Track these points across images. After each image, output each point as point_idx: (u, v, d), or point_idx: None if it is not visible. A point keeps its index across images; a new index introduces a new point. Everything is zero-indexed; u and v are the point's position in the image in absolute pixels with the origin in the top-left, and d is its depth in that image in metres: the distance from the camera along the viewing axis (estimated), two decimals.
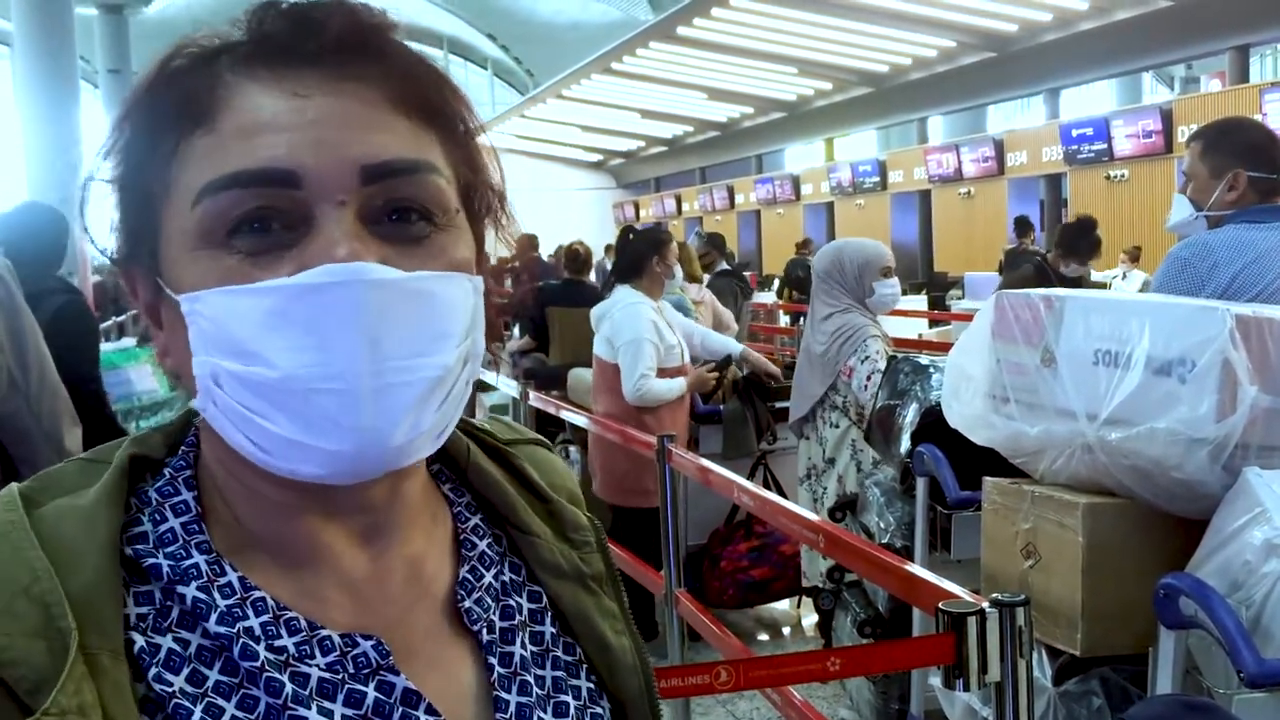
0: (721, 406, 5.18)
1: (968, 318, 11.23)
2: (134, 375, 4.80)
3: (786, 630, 5.31)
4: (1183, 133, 13.80)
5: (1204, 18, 13.43)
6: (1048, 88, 17.20)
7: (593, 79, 21.93)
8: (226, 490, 0.68)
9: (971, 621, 1.82)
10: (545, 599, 0.77)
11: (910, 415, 3.46)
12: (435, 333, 0.63)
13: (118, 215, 0.67)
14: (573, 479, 0.86)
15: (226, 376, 0.61)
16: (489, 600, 0.74)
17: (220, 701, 0.62)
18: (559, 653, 0.76)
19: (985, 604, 1.84)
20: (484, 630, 0.72)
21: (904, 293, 13.32)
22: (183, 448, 0.70)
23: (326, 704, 0.64)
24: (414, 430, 0.63)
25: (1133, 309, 2.30)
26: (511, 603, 0.75)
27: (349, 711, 0.64)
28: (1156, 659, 2.14)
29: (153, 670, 0.61)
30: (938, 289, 15.16)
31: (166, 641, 0.62)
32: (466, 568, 0.74)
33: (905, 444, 3.44)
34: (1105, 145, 15.15)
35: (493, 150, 0.72)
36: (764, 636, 5.21)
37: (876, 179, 20.66)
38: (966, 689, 1.87)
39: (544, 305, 7.01)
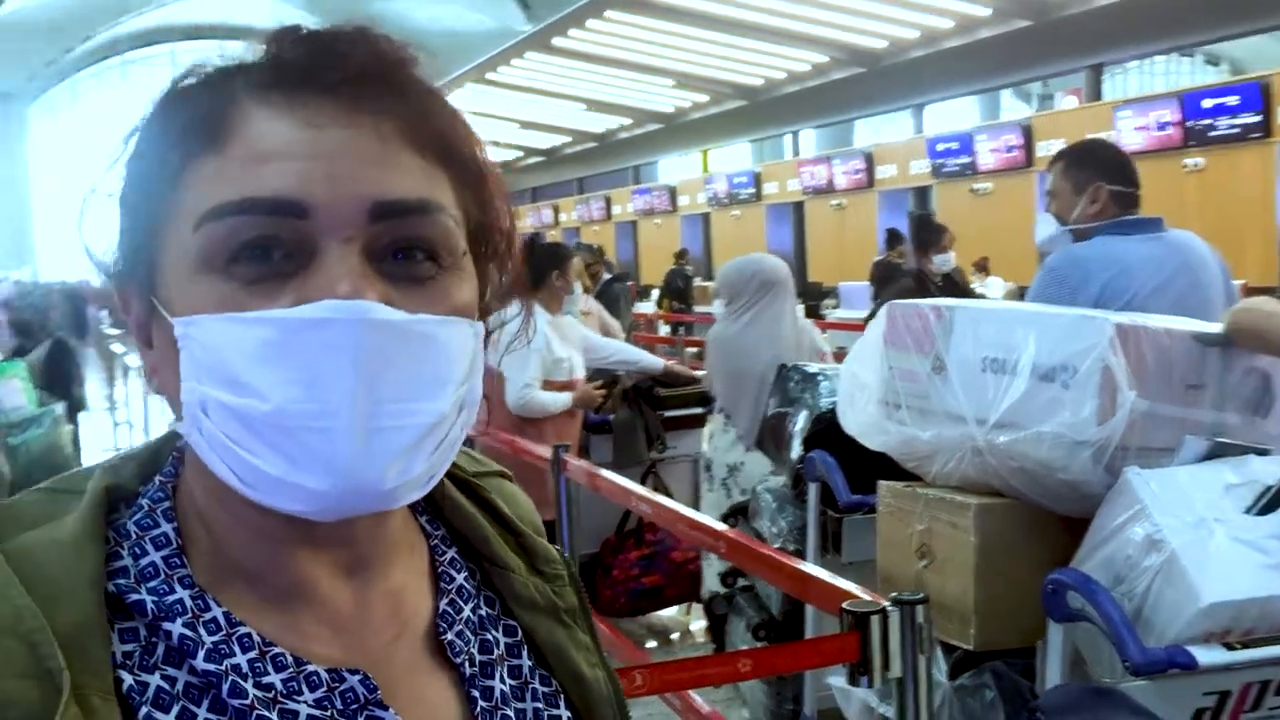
0: (611, 416, 5.20)
1: (844, 327, 11.48)
2: (1, 392, 4.64)
3: (675, 636, 5.36)
4: (1042, 148, 14.38)
5: (1061, 37, 14.03)
6: (914, 103, 17.71)
7: (467, 88, 21.78)
8: (210, 518, 0.66)
9: (875, 620, 1.88)
10: (520, 633, 0.77)
11: (801, 422, 3.54)
12: (433, 378, 0.62)
13: (118, 231, 0.66)
14: (535, 511, 0.86)
15: (215, 406, 0.60)
16: (469, 634, 0.73)
17: None
18: (537, 684, 0.76)
19: (887, 603, 1.91)
20: (466, 663, 0.71)
21: None
22: (159, 477, 0.68)
23: None
24: (403, 475, 0.61)
25: (1019, 318, 2.40)
26: (489, 637, 0.74)
27: None
28: (1046, 651, 2.23)
29: (143, 710, 0.59)
30: (813, 298, 15.45)
31: (154, 679, 0.61)
32: (446, 600, 0.73)
33: (797, 450, 3.52)
34: (969, 159, 15.66)
35: (506, 193, 0.71)
36: (653, 644, 5.24)
37: (752, 190, 20.97)
38: (871, 685, 1.94)
39: None
